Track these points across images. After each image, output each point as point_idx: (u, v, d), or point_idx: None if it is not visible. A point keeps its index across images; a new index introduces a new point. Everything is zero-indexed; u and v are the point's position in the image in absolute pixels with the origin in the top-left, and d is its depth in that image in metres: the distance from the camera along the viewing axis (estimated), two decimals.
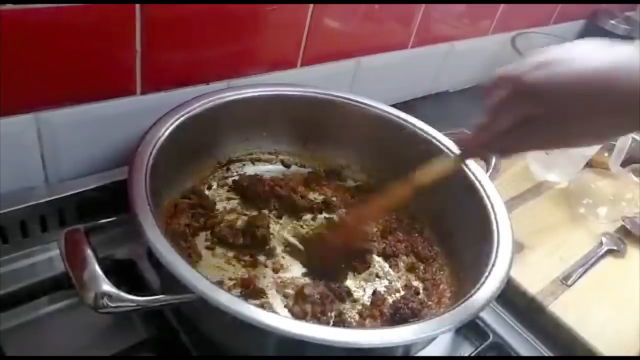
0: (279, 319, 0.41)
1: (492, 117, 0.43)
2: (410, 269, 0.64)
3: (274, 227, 0.65)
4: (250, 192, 0.67)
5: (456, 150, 0.50)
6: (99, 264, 0.42)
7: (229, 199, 0.67)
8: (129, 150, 0.54)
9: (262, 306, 0.52)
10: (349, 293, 0.58)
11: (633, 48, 0.38)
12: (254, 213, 0.65)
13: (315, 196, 0.71)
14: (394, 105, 0.72)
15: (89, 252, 0.43)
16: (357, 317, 0.57)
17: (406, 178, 0.54)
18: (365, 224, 0.65)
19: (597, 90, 0.38)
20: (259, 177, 0.69)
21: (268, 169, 0.72)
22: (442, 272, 0.64)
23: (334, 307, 0.56)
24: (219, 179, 0.69)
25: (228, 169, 0.70)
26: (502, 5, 1.03)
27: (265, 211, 0.66)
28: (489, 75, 0.44)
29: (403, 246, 0.66)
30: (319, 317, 0.54)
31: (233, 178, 0.69)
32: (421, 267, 0.65)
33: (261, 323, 0.40)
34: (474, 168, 0.64)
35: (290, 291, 0.57)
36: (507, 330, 0.63)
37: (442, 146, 0.67)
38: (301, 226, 0.66)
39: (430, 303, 0.60)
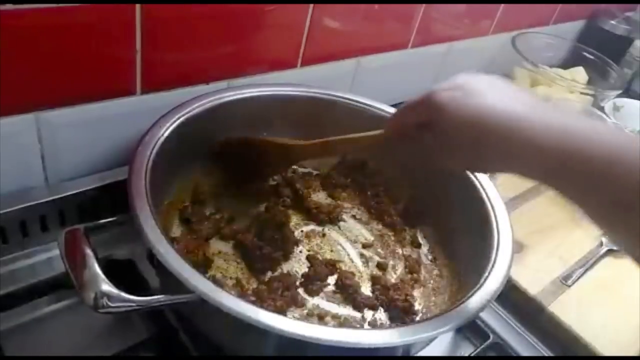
0: (279, 319, 0.41)
1: (406, 109, 0.49)
2: (410, 269, 0.64)
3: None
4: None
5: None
6: (99, 264, 0.42)
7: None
8: (129, 150, 0.54)
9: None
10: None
11: (534, 104, 0.41)
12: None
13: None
14: (394, 105, 0.72)
15: (89, 252, 0.43)
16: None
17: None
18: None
19: (484, 134, 0.41)
20: None
21: None
22: (442, 272, 0.64)
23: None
24: None
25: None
26: (502, 5, 1.03)
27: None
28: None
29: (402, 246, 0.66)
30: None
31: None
32: (421, 268, 0.65)
33: (261, 323, 0.40)
34: None
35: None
36: (507, 330, 0.63)
37: None
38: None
39: (429, 303, 0.60)
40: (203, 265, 0.57)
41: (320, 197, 0.72)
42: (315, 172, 0.75)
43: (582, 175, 0.38)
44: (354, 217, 0.70)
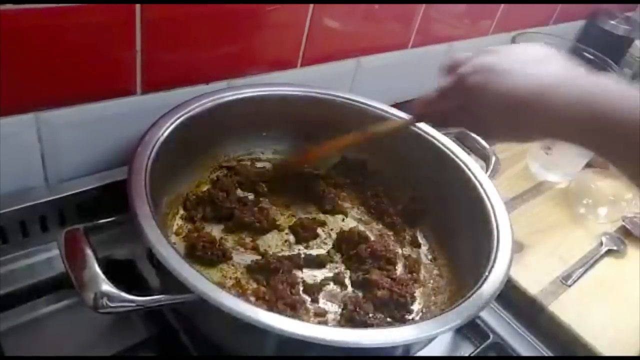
0: (279, 319, 0.41)
1: (438, 97, 0.54)
2: (410, 269, 0.64)
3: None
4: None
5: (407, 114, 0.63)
6: (99, 264, 0.42)
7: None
8: (129, 150, 0.54)
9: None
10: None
11: (563, 73, 0.44)
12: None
13: None
14: (394, 105, 0.72)
15: (89, 252, 0.43)
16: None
17: (360, 130, 0.63)
18: (314, 160, 0.71)
19: (519, 111, 0.45)
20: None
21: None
22: (442, 272, 0.64)
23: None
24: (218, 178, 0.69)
25: (228, 169, 0.70)
26: (502, 5, 1.03)
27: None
28: (450, 58, 0.53)
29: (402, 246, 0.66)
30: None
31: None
32: (421, 267, 0.65)
33: (261, 323, 0.40)
34: (474, 168, 0.64)
35: None
36: (507, 330, 0.63)
37: (441, 146, 0.67)
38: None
39: (429, 303, 0.60)
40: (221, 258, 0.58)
41: None
42: (315, 172, 0.75)
43: (615, 136, 0.40)
44: (353, 217, 0.70)
